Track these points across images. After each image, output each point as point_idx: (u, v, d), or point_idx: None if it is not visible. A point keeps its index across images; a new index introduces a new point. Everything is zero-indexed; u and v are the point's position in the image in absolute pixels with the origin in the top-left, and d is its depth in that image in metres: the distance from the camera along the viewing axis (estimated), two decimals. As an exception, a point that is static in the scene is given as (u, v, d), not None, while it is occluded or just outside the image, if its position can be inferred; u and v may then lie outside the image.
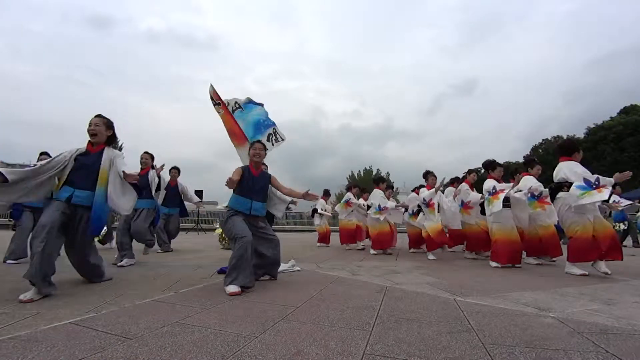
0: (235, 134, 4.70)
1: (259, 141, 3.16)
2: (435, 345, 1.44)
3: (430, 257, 4.99)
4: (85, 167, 2.52)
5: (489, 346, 1.44)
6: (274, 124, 4.88)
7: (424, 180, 5.56)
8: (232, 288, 2.39)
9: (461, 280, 3.15)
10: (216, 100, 4.82)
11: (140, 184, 3.31)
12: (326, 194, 8.02)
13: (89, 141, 2.63)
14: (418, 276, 3.39)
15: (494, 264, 4.21)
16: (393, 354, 1.35)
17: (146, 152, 4.59)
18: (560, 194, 3.71)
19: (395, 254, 5.64)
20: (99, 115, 2.69)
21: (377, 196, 5.80)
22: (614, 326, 1.74)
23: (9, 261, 3.81)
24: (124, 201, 2.66)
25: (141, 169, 4.45)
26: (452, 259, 5.07)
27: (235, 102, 4.95)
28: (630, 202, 4.61)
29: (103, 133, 2.66)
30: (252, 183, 2.91)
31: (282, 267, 3.52)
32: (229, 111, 4.78)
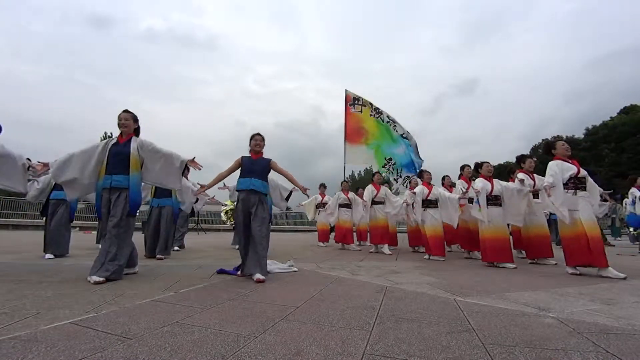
0: (357, 133, 5.74)
1: (258, 134, 3.46)
2: (435, 345, 1.44)
3: (432, 257, 4.93)
4: (117, 155, 3.00)
5: (489, 346, 1.44)
6: (414, 170, 6.15)
7: (420, 179, 5.63)
8: (258, 276, 2.92)
9: (461, 280, 3.15)
10: (350, 101, 6.07)
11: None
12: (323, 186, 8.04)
13: (120, 133, 3.11)
14: (418, 276, 3.39)
15: (485, 263, 4.24)
16: (393, 354, 1.35)
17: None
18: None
19: (395, 254, 5.64)
20: (126, 111, 3.13)
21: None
22: (614, 326, 1.74)
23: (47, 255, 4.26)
24: (172, 179, 3.24)
25: None
26: (452, 259, 5.07)
27: (377, 109, 6.19)
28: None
29: (131, 125, 3.12)
30: (251, 165, 3.33)
31: (280, 267, 3.53)
32: (372, 111, 6.00)
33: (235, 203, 3.32)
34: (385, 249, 5.74)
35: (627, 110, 34.33)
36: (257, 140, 3.42)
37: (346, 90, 6.16)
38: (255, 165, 3.33)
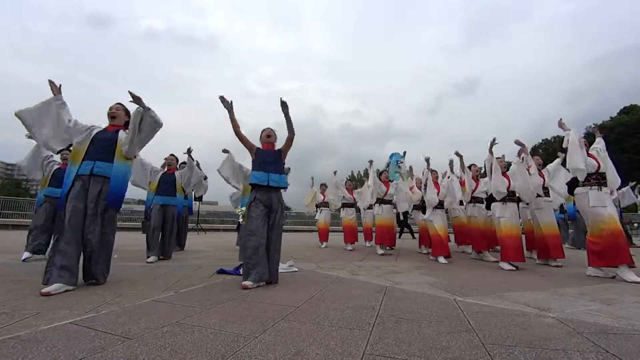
0: None
1: (269, 127, 3.29)
2: (435, 345, 1.44)
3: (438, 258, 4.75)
4: (103, 140, 2.77)
5: (489, 346, 1.44)
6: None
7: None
8: (247, 283, 2.62)
9: (461, 280, 3.15)
10: None
11: (167, 181, 4.71)
12: (323, 187, 8.04)
13: (109, 124, 2.92)
14: (418, 276, 3.39)
15: (505, 265, 3.96)
16: (393, 354, 1.35)
17: (172, 155, 4.92)
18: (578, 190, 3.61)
19: (395, 254, 5.64)
20: (119, 103, 3.00)
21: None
22: (614, 326, 1.74)
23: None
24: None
25: (167, 169, 4.82)
26: (452, 259, 5.06)
27: None
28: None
29: (122, 117, 2.95)
30: (265, 156, 3.08)
31: (280, 267, 3.51)
32: None
33: (250, 200, 2.99)
34: (378, 249, 5.70)
35: (627, 110, 34.30)
36: (266, 131, 3.21)
37: None
38: (268, 156, 3.07)
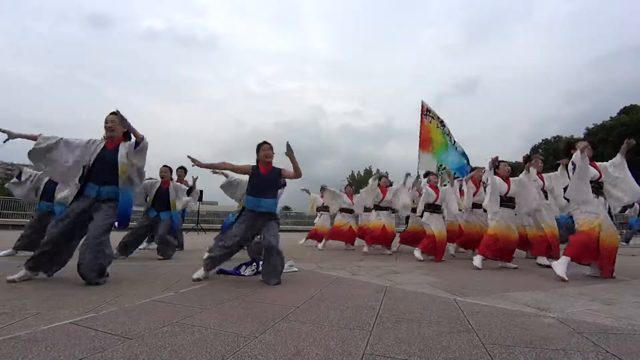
0: (427, 142, 7.05)
1: (266, 142, 3.20)
2: (435, 345, 1.44)
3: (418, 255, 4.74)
4: (104, 161, 2.76)
5: (489, 346, 1.44)
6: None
7: (426, 180, 5.56)
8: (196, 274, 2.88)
9: (461, 280, 3.15)
10: (424, 111, 7.46)
11: (161, 197, 4.61)
12: (323, 190, 8.00)
13: (107, 138, 2.87)
14: (418, 276, 3.39)
15: (477, 258, 3.98)
16: (393, 354, 1.35)
17: (165, 166, 4.78)
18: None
19: (395, 254, 5.64)
20: (113, 113, 2.87)
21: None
22: (614, 326, 1.74)
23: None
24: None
25: (162, 182, 4.68)
26: (452, 260, 5.07)
27: (442, 121, 7.59)
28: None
29: (119, 129, 2.88)
30: (260, 182, 3.11)
31: None
32: (438, 124, 7.43)
33: (243, 209, 3.13)
34: (348, 245, 5.85)
35: (627, 110, 34.24)
36: (265, 150, 3.14)
37: (422, 101, 7.59)
38: (264, 183, 3.10)
